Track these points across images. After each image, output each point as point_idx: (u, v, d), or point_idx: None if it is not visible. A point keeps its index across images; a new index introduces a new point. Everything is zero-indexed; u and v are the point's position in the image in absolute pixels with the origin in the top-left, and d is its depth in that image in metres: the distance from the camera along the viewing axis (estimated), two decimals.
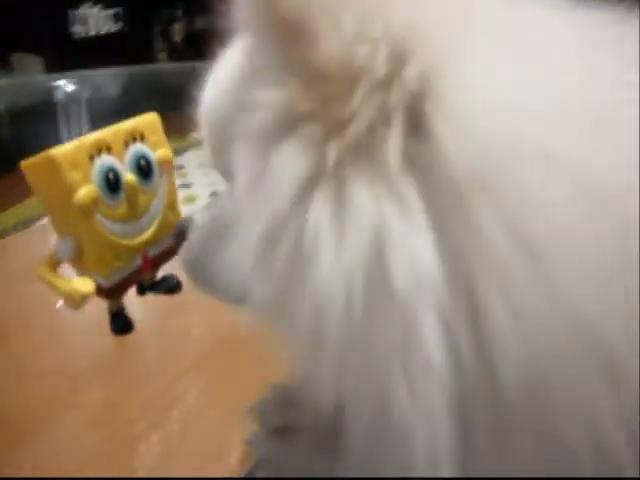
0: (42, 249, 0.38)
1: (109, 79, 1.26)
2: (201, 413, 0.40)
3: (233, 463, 0.35)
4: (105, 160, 0.35)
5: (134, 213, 0.37)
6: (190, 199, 0.83)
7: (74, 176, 0.33)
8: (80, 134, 1.09)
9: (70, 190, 0.33)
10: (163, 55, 2.69)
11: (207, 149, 0.28)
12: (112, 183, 0.35)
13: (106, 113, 1.03)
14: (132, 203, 0.37)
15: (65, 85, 1.01)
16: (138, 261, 0.39)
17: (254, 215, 0.19)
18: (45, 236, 0.57)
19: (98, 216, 0.35)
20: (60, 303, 0.39)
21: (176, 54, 2.75)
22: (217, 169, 0.28)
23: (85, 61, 2.15)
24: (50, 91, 1.05)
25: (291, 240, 0.17)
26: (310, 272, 0.17)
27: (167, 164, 0.39)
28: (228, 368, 0.43)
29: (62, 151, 0.33)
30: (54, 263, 0.36)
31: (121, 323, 0.40)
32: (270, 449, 0.29)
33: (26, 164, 0.35)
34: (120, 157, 0.36)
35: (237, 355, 0.45)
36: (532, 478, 0.17)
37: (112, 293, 0.38)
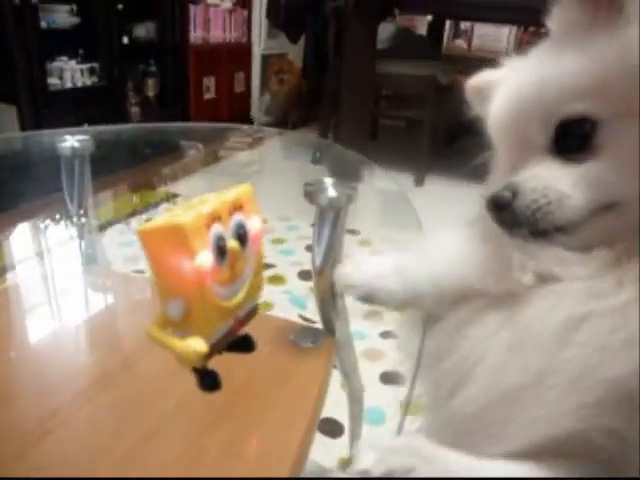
0: None
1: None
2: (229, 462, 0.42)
3: None
4: (217, 229, 0.39)
5: (233, 277, 0.41)
6: None
7: (196, 244, 0.36)
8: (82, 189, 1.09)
9: (192, 256, 0.36)
10: (136, 109, 2.74)
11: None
12: (222, 250, 0.39)
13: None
14: (232, 268, 0.40)
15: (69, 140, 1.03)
16: (231, 322, 0.41)
17: None
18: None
19: (209, 280, 0.38)
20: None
21: (149, 108, 2.80)
22: None
23: (61, 112, 2.16)
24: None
25: None
26: None
27: (259, 232, 0.43)
28: (254, 417, 0.46)
29: (188, 220, 0.36)
30: (164, 323, 0.38)
31: (211, 381, 0.42)
32: None
33: (143, 229, 0.37)
34: (225, 226, 0.40)
35: (258, 401, 0.48)
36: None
37: (211, 351, 0.40)
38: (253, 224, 0.42)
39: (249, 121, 3.50)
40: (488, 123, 0.40)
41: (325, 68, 2.97)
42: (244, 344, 0.46)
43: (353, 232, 2.04)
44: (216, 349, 0.41)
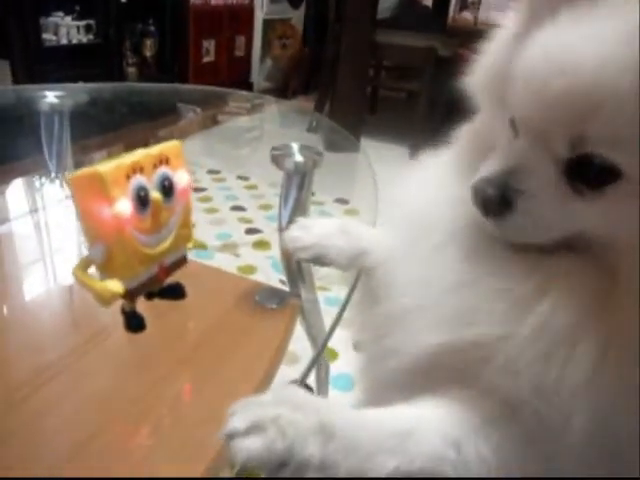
0: None
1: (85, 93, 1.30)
2: (183, 409, 0.45)
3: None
4: (138, 180, 0.41)
5: (156, 226, 0.43)
6: None
7: (115, 191, 0.39)
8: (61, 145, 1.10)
9: (110, 203, 0.39)
10: (133, 69, 2.72)
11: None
12: (142, 200, 0.41)
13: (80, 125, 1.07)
14: (156, 218, 0.43)
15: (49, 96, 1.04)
16: (155, 269, 0.44)
17: None
18: None
19: (129, 227, 0.40)
20: None
21: (146, 69, 2.78)
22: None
23: (55, 69, 2.15)
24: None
25: None
26: None
27: (185, 186, 0.45)
28: (212, 369, 0.49)
29: (107, 169, 0.39)
30: (86, 265, 0.41)
31: (136, 322, 0.45)
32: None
33: (72, 177, 0.40)
34: (149, 177, 0.42)
35: (217, 357, 0.50)
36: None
37: (132, 295, 0.43)
38: (180, 178, 0.45)
39: (248, 86, 3.47)
40: (510, 78, 0.33)
41: (326, 35, 2.93)
42: (175, 292, 0.49)
43: (343, 201, 2.07)
44: (139, 293, 0.44)
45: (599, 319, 0.30)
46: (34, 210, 0.90)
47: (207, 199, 1.97)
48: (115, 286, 0.40)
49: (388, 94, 3.44)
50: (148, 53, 2.83)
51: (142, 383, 0.47)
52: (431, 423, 0.32)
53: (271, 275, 1.49)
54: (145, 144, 0.44)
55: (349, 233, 0.49)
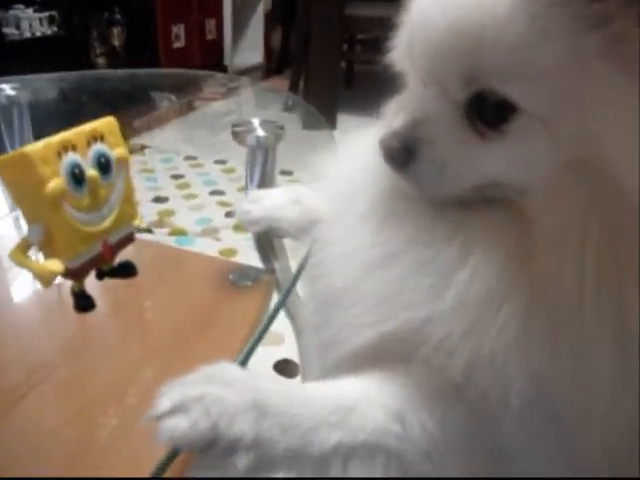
0: None
1: (48, 83, 1.27)
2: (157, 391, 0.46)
3: None
4: (71, 157, 0.41)
5: (95, 204, 0.43)
6: None
7: (45, 170, 0.39)
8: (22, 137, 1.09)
9: (41, 182, 0.38)
10: (102, 60, 2.67)
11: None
12: (77, 177, 0.41)
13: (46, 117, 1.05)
14: (94, 195, 0.43)
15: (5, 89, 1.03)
16: (99, 247, 0.44)
17: None
18: None
19: (65, 206, 0.40)
20: None
21: (115, 59, 2.73)
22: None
23: (19, 64, 2.11)
24: None
25: None
26: None
27: (124, 162, 0.45)
28: (183, 350, 0.49)
29: (34, 148, 0.38)
30: (25, 247, 0.41)
31: (84, 302, 0.45)
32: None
33: None
34: (83, 155, 0.42)
35: (191, 338, 0.51)
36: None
37: (77, 274, 0.43)
38: (117, 154, 0.44)
39: (222, 69, 3.43)
40: (405, 28, 0.35)
41: (295, 11, 2.89)
42: (126, 270, 0.49)
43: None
44: (83, 272, 0.44)
45: (519, 277, 0.29)
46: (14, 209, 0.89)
47: (186, 185, 1.96)
48: (54, 265, 0.40)
49: (363, 68, 3.40)
50: (116, 42, 2.77)
51: (118, 367, 0.47)
52: (375, 397, 0.31)
53: (252, 256, 1.50)
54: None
55: (301, 203, 0.49)
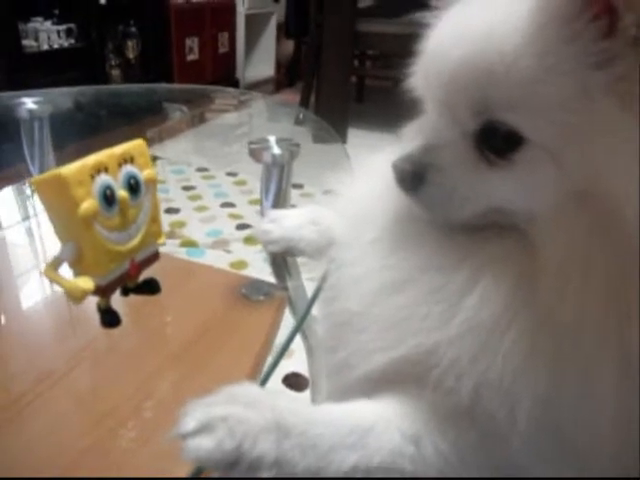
0: None
1: (68, 97, 1.30)
2: (173, 405, 0.46)
3: None
4: (103, 179, 0.42)
5: (125, 224, 0.44)
6: None
7: (79, 192, 0.40)
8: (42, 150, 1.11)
9: (75, 203, 0.40)
10: (117, 71, 2.71)
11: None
12: (108, 198, 0.42)
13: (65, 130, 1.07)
14: (123, 215, 0.44)
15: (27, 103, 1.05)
16: (127, 265, 0.45)
17: None
18: None
19: (96, 225, 0.42)
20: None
21: (130, 71, 2.78)
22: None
23: (37, 75, 2.15)
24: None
25: None
26: None
27: (152, 182, 0.47)
28: (196, 364, 0.50)
29: (69, 170, 0.40)
30: (57, 264, 0.42)
31: (110, 318, 0.46)
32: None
33: (36, 180, 0.41)
34: (115, 176, 0.43)
35: (205, 351, 0.51)
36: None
37: (105, 291, 0.44)
38: (145, 175, 0.46)
39: (234, 81, 3.47)
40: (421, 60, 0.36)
41: (307, 27, 2.92)
42: (150, 287, 0.50)
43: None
44: (111, 289, 0.45)
45: (526, 303, 0.30)
46: (26, 218, 0.90)
47: (197, 197, 1.98)
48: (85, 283, 0.41)
49: (374, 83, 3.43)
50: (131, 55, 2.82)
51: (133, 380, 0.48)
52: (391, 419, 0.32)
53: (263, 269, 1.51)
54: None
55: (320, 224, 0.50)
